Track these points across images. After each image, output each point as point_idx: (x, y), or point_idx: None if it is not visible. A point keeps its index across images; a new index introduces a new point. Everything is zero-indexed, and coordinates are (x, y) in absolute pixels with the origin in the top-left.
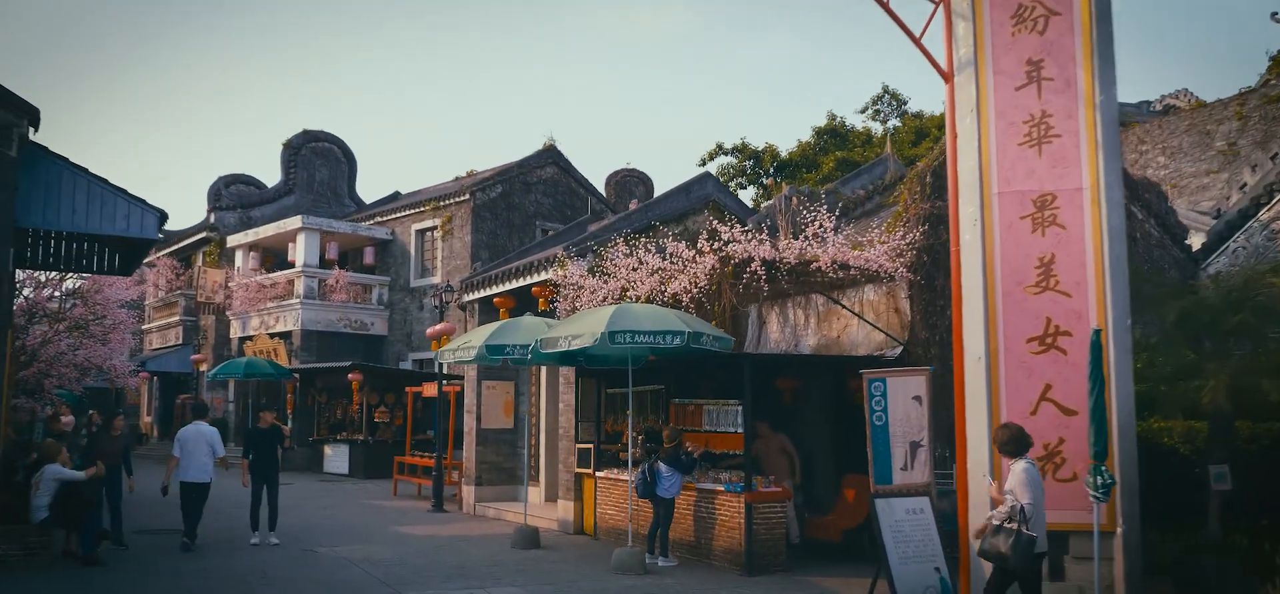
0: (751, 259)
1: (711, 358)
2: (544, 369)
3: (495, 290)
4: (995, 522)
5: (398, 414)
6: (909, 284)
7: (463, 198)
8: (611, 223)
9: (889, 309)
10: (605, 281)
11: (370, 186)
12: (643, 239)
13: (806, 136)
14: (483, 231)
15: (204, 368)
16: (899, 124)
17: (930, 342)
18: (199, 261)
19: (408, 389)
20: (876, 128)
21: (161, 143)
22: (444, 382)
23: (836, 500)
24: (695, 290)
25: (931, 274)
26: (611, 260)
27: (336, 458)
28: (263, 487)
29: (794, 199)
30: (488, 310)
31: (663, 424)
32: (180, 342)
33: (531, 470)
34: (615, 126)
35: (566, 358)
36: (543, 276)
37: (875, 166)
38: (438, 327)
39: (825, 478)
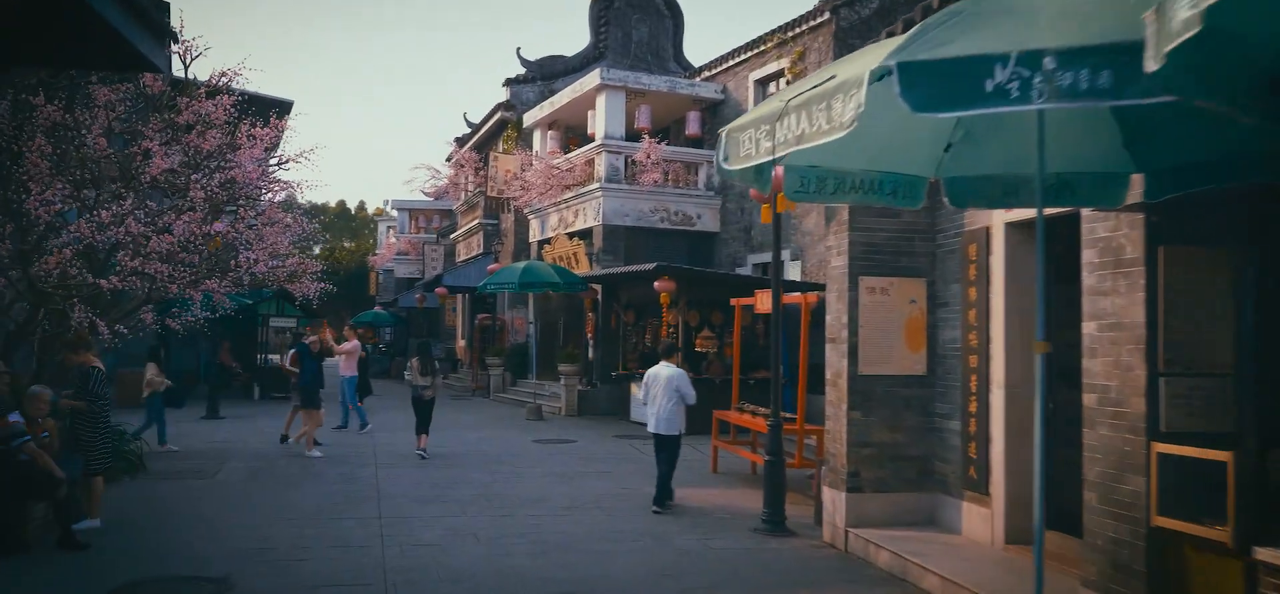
0: None
1: None
2: (1002, 223)
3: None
4: None
5: (730, 341)
6: None
7: (821, 19)
8: None
9: None
10: None
11: (702, 52)
12: None
13: None
14: None
15: None
16: None
17: None
18: (497, 151)
19: (734, 303)
20: None
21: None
22: (785, 288)
23: None
24: None
25: None
26: None
27: None
28: None
29: None
30: None
31: None
32: (481, 250)
33: (970, 466)
34: None
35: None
36: None
37: None
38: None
39: None
